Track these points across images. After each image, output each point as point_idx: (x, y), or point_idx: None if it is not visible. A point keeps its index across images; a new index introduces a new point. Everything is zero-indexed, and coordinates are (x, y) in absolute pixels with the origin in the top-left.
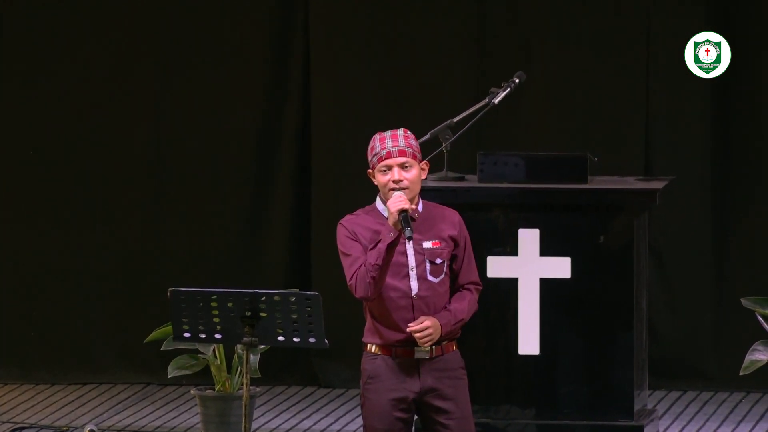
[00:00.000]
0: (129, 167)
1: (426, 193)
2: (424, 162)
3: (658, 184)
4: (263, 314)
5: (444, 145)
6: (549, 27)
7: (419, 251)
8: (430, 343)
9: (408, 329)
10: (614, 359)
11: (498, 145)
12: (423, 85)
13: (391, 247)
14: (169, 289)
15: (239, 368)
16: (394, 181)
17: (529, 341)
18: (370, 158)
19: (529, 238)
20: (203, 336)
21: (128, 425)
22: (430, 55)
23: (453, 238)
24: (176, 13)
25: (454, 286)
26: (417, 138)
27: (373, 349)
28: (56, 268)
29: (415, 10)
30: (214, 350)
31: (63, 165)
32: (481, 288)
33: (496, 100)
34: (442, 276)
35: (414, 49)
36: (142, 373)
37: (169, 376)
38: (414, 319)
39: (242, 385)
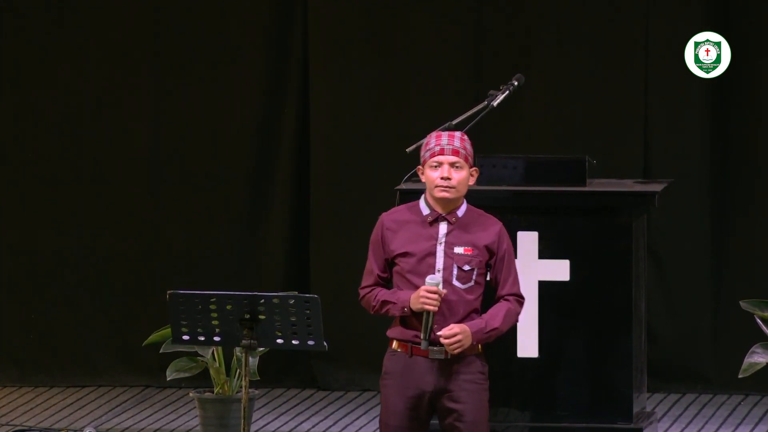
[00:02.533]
0: (127, 169)
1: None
2: (474, 168)
3: (656, 187)
4: (262, 317)
5: None
6: (547, 29)
7: (449, 255)
8: (459, 350)
9: (440, 334)
10: (613, 362)
11: (497, 148)
12: (422, 87)
13: (400, 314)
14: (168, 291)
15: (238, 371)
16: (442, 178)
17: (527, 344)
18: (422, 153)
19: (527, 240)
20: (202, 339)
21: (127, 428)
22: (429, 57)
23: (488, 248)
24: (175, 14)
25: (496, 296)
26: (415, 141)
27: (395, 346)
28: (54, 271)
29: (414, 11)
30: (213, 353)
31: (61, 167)
32: (523, 301)
33: (495, 103)
34: (471, 284)
35: (413, 51)
36: (141, 376)
37: (168, 379)
38: (434, 320)
39: (241, 387)
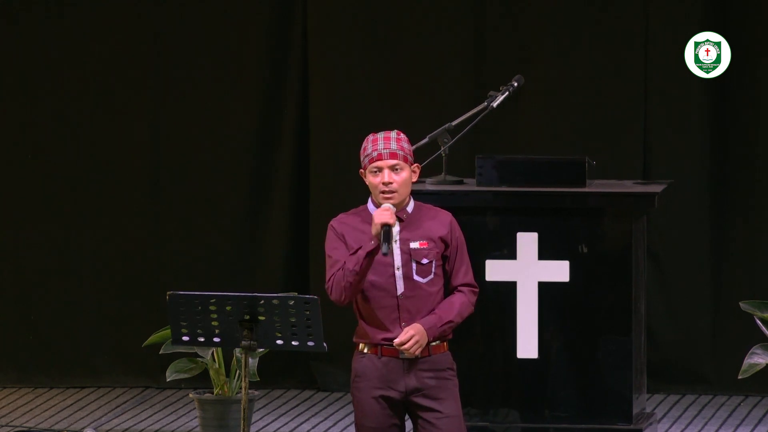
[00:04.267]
0: (127, 170)
1: (424, 196)
2: (415, 165)
3: (656, 188)
4: (262, 318)
5: (443, 149)
6: (547, 29)
7: (405, 251)
8: (419, 350)
9: (394, 343)
10: (613, 363)
11: (497, 149)
12: (421, 88)
13: (370, 255)
14: (168, 292)
15: (238, 372)
16: (383, 183)
17: (527, 345)
18: (362, 158)
19: (527, 241)
20: (202, 339)
21: (127, 429)
22: (429, 58)
23: (443, 239)
24: (175, 15)
25: (449, 287)
26: (415, 141)
27: (361, 347)
28: (54, 272)
29: (414, 12)
30: (212, 354)
31: (61, 168)
32: (476, 290)
33: (495, 104)
34: (431, 276)
35: (413, 51)
36: (141, 377)
37: (168, 380)
38: (399, 318)
39: (241, 388)
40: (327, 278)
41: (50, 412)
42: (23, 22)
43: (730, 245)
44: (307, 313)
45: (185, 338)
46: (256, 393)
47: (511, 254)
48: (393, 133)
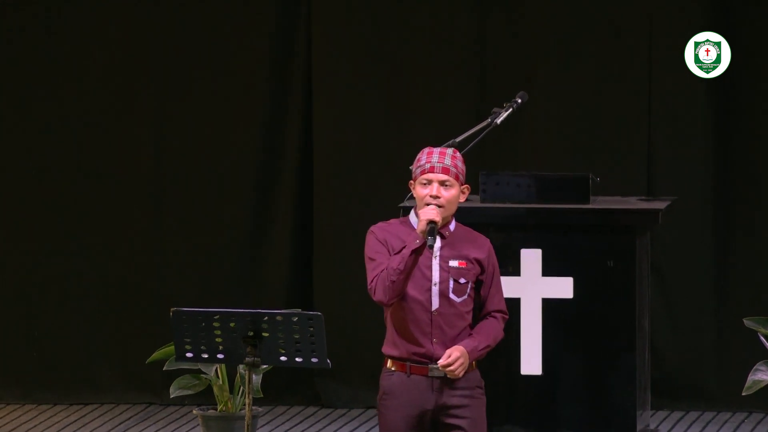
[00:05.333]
0: (129, 185)
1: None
2: (465, 186)
3: (660, 204)
4: (265, 334)
5: None
6: (550, 44)
7: (444, 268)
8: (462, 372)
9: (440, 365)
10: (616, 379)
11: (500, 165)
12: (425, 105)
13: (415, 253)
14: (171, 309)
15: (242, 388)
16: (431, 196)
17: (531, 361)
18: (414, 169)
19: (531, 258)
20: (206, 356)
21: None
22: (432, 74)
23: (479, 262)
24: (177, 25)
25: (481, 312)
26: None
27: (390, 365)
28: (57, 288)
29: (418, 28)
30: (216, 370)
31: (63, 182)
32: (507, 318)
33: (499, 120)
34: (465, 297)
35: (416, 68)
36: (145, 393)
37: (172, 396)
38: (431, 334)
39: (245, 405)
40: (369, 280)
41: (54, 428)
42: (22, 25)
43: (734, 261)
44: (311, 329)
45: (189, 355)
46: (260, 409)
47: (515, 271)
48: (450, 150)
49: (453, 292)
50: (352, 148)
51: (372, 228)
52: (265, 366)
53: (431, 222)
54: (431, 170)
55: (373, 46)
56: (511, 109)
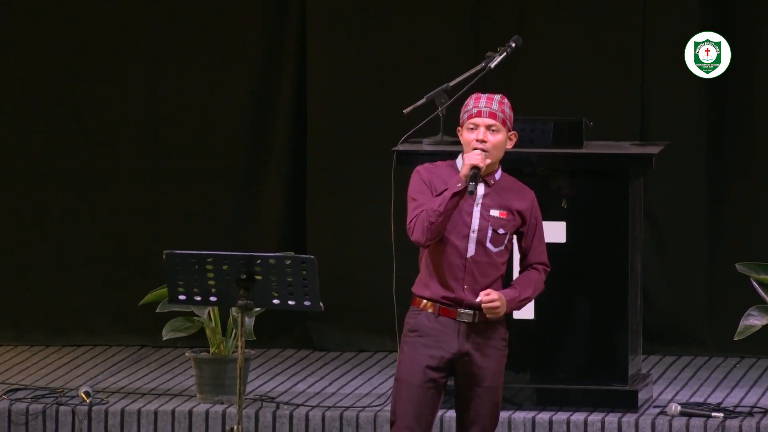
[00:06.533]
0: (124, 131)
1: (422, 156)
2: (513, 132)
3: (653, 149)
4: (258, 277)
5: (440, 109)
6: None
7: (485, 217)
8: (493, 317)
9: (478, 299)
10: (609, 324)
11: None
12: (419, 50)
13: (456, 197)
14: (165, 251)
15: (234, 331)
16: (477, 140)
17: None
18: (461, 114)
19: None
20: (198, 299)
21: (123, 387)
22: (427, 20)
23: (521, 214)
24: None
25: (523, 264)
26: (412, 103)
27: (418, 304)
28: (51, 230)
29: None
30: (209, 313)
31: (59, 130)
32: (549, 270)
33: (493, 64)
34: (502, 248)
35: (410, 14)
36: (137, 336)
37: (164, 339)
38: (464, 280)
39: (237, 347)
40: (408, 220)
41: (46, 370)
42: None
43: (727, 207)
44: (304, 272)
45: (182, 297)
46: (253, 352)
47: None
48: (498, 96)
49: (490, 241)
50: (345, 94)
51: (418, 168)
52: (257, 309)
53: (474, 167)
54: (478, 114)
55: None
56: (505, 53)
